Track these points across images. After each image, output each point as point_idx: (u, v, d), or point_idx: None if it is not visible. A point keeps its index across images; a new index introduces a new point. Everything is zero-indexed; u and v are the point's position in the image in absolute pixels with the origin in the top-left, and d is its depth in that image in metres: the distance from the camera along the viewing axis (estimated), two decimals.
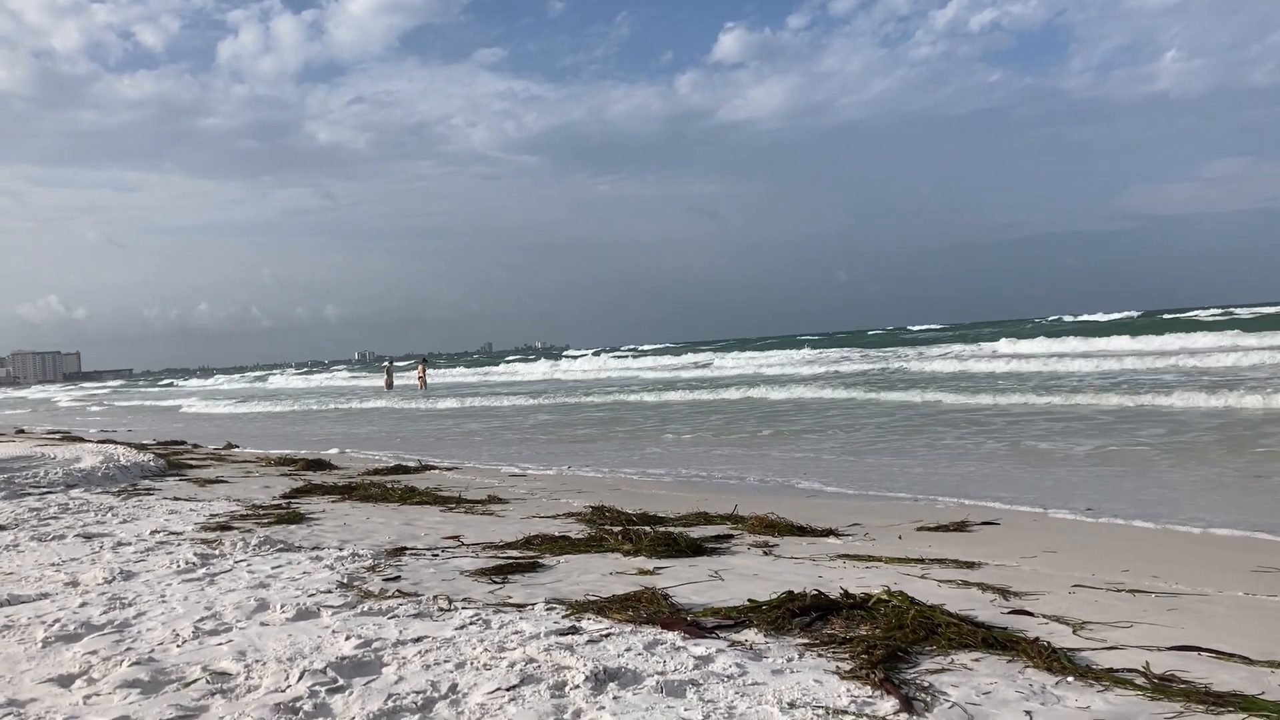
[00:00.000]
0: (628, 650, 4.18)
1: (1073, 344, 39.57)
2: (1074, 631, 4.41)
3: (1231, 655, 3.97)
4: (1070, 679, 3.73)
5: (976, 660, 3.99)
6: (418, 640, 4.44)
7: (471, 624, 4.70)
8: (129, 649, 4.45)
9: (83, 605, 5.36)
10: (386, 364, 55.06)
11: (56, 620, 5.01)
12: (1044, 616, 4.68)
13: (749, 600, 4.92)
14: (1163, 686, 3.60)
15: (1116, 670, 3.79)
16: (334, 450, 17.61)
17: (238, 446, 19.40)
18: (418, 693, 3.72)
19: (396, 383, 50.21)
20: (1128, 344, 37.94)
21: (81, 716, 3.61)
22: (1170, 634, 4.32)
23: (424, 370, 47.93)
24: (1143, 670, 3.76)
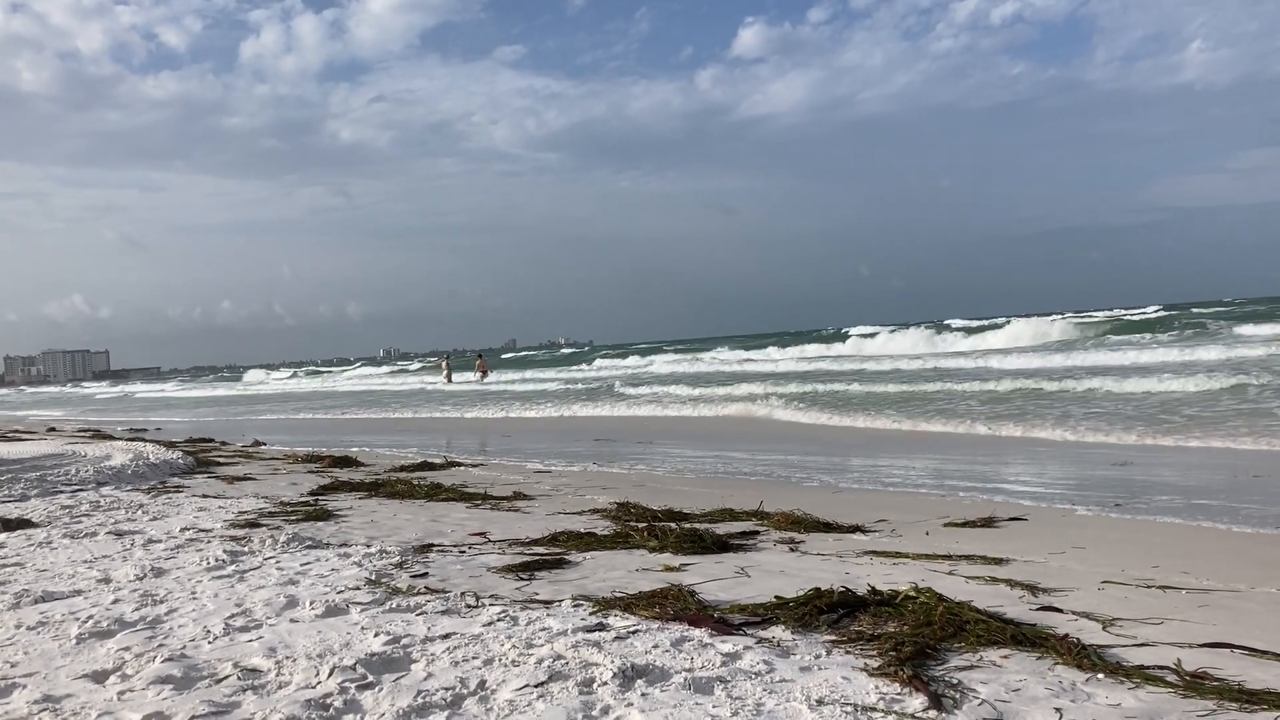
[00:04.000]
0: (655, 647, 4.18)
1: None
2: (1104, 628, 4.38)
3: (1265, 652, 3.93)
4: (1100, 676, 3.71)
5: (1005, 657, 3.98)
6: (446, 637, 4.46)
7: (499, 621, 4.72)
8: (161, 645, 4.50)
9: (115, 602, 5.42)
10: (446, 359, 59.85)
11: (90, 617, 5.07)
12: (1073, 613, 4.65)
13: (776, 597, 4.92)
14: (1194, 684, 3.57)
15: (1147, 667, 3.76)
16: (357, 449, 17.71)
17: (265, 444, 19.55)
18: (447, 689, 3.74)
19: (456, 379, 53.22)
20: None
21: (116, 712, 3.65)
22: (1202, 631, 4.29)
23: (483, 364, 54.08)
24: (1174, 667, 3.73)
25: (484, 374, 51.74)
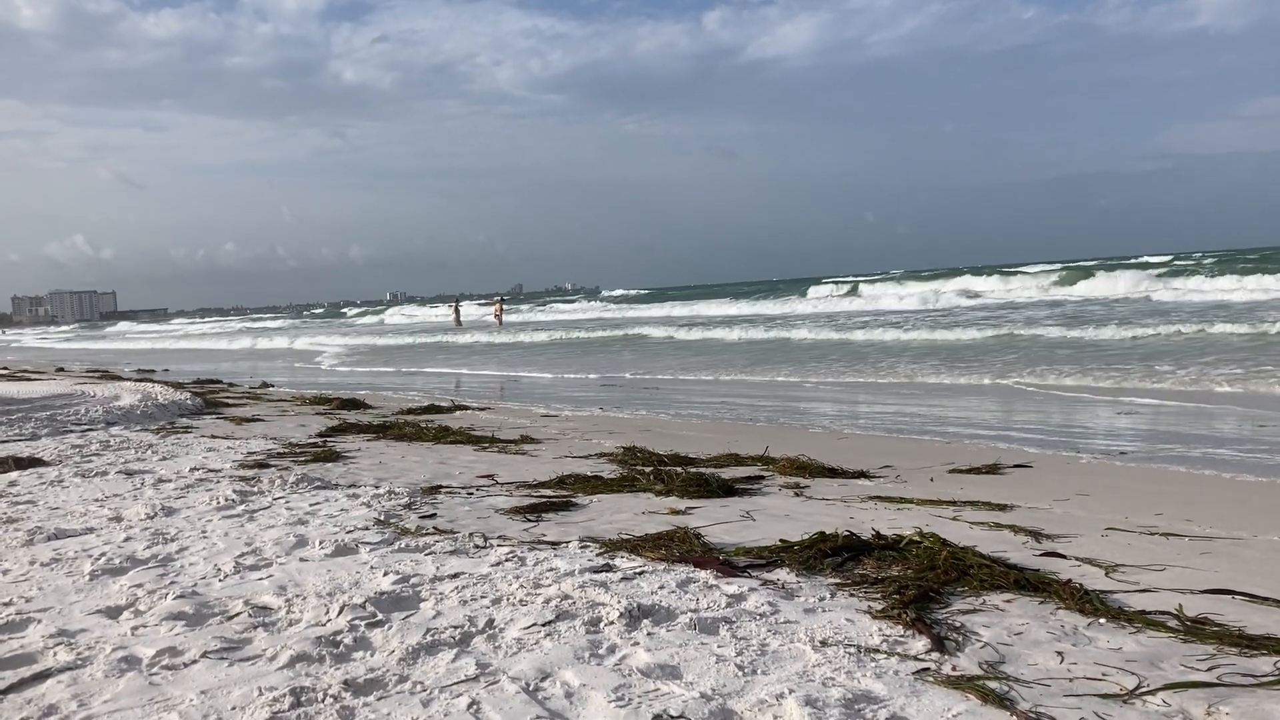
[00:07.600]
0: (661, 588, 4.23)
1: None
2: (1106, 574, 4.42)
3: (1266, 599, 3.96)
4: (1102, 621, 3.74)
5: (1008, 601, 4.01)
6: (454, 576, 4.51)
7: (507, 561, 4.77)
8: (173, 583, 4.56)
9: (127, 540, 5.49)
10: (455, 303, 64.48)
11: (102, 554, 5.13)
12: (1076, 559, 4.69)
13: (780, 540, 4.96)
14: (1195, 629, 3.61)
15: (1149, 613, 3.80)
16: (364, 392, 17.76)
17: (273, 385, 19.62)
18: (455, 627, 3.79)
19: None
20: None
21: (130, 647, 3.71)
22: (1204, 577, 4.31)
23: (500, 308, 57.19)
24: (1175, 613, 3.76)
25: (499, 319, 54.00)
